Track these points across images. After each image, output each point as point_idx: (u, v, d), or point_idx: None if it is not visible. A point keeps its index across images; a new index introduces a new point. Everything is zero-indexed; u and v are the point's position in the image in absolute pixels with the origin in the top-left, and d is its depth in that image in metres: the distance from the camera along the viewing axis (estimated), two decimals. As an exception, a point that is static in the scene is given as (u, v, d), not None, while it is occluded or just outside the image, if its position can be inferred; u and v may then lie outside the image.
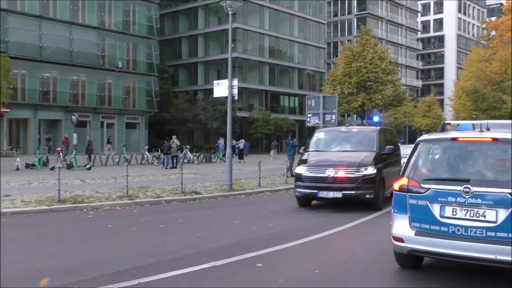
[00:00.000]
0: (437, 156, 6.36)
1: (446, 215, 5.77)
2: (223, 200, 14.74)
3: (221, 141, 40.92)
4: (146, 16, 52.33)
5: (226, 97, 21.31)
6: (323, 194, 11.95)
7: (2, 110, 27.66)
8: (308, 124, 23.12)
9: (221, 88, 21.88)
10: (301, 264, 7.06)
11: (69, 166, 26.16)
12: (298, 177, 12.55)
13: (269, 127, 56.52)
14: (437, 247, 5.79)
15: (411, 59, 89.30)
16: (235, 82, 20.06)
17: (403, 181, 6.19)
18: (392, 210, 6.35)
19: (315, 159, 12.71)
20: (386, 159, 13.09)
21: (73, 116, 34.22)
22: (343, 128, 14.33)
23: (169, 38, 64.10)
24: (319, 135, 13.98)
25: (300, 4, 66.99)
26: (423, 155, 6.38)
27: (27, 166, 26.73)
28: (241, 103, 58.27)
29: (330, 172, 11.89)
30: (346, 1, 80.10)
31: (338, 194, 11.78)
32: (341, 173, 11.84)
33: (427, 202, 5.90)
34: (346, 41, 60.36)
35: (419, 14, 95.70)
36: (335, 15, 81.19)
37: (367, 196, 11.80)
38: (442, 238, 5.76)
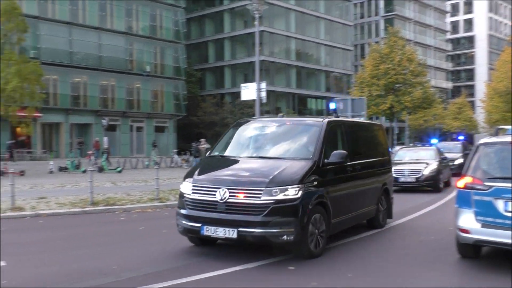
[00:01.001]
0: (497, 157, 7.03)
1: (509, 209, 6.40)
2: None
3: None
4: (172, 20, 52.90)
5: (254, 100, 21.44)
6: (210, 230, 7.24)
7: (35, 114, 28.29)
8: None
9: (249, 91, 22.01)
10: (333, 267, 7.03)
11: (100, 169, 26.60)
12: (180, 200, 7.94)
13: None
14: (502, 238, 6.44)
15: (440, 60, 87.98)
16: (263, 85, 20.16)
17: (468, 179, 6.87)
18: (457, 205, 7.00)
19: (207, 170, 8.15)
20: (336, 173, 8.22)
21: (103, 120, 34.78)
22: (273, 121, 9.16)
23: (195, 42, 64.61)
24: (234, 130, 9.22)
25: (326, 6, 66.73)
26: (484, 157, 7.06)
27: (61, 169, 27.31)
28: (268, 106, 58.31)
29: (222, 194, 7.21)
30: (373, 3, 79.45)
31: (232, 233, 7.04)
32: (239, 197, 7.16)
33: (492, 198, 6.53)
34: (373, 42, 59.87)
35: (448, 15, 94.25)
36: (362, 16, 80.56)
37: (285, 237, 6.97)
38: (506, 230, 6.38)
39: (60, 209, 12.21)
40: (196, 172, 7.96)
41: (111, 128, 43.52)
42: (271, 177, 7.23)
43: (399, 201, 14.13)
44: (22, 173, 23.58)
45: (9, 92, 23.14)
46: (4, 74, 23.14)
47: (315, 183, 7.52)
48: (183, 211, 7.67)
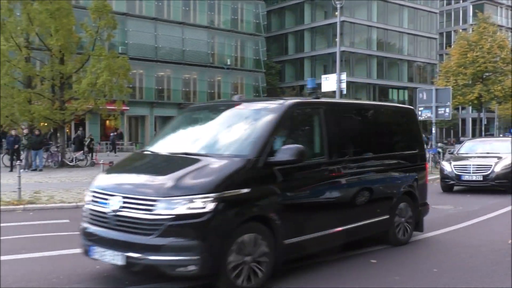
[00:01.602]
0: None
1: None
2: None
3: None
4: (253, 13, 53.44)
5: (334, 91, 21.22)
6: (97, 253, 5.49)
7: (123, 107, 29.68)
8: (419, 118, 22.35)
9: (329, 83, 21.82)
10: (417, 262, 6.84)
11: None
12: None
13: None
14: None
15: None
16: (344, 76, 19.91)
17: None
18: None
19: (117, 170, 6.65)
20: (295, 175, 5.98)
21: (186, 113, 35.62)
22: (223, 106, 7.34)
23: (275, 34, 64.81)
24: (180, 118, 7.72)
25: (410, -6, 64.65)
26: None
27: (146, 160, 28.46)
28: (348, 97, 57.48)
29: (114, 204, 5.41)
30: (461, -12, 75.81)
31: (119, 258, 5.23)
32: (132, 208, 5.29)
33: None
34: (461, 30, 57.17)
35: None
36: (449, 3, 77.10)
37: (190, 267, 5.02)
38: None
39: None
40: (102, 173, 6.40)
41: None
42: (174, 182, 5.29)
43: (462, 203, 12.92)
44: (111, 164, 24.82)
45: (99, 86, 24.41)
46: (95, 69, 24.42)
47: (247, 190, 5.39)
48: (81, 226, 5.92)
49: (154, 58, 45.95)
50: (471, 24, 60.53)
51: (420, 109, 21.94)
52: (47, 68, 24.69)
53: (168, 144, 6.72)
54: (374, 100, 59.74)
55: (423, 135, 22.97)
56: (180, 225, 5.04)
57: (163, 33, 46.61)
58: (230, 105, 7.05)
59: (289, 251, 5.84)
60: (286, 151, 5.67)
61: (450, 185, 14.94)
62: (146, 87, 46.40)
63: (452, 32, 71.57)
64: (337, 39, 19.21)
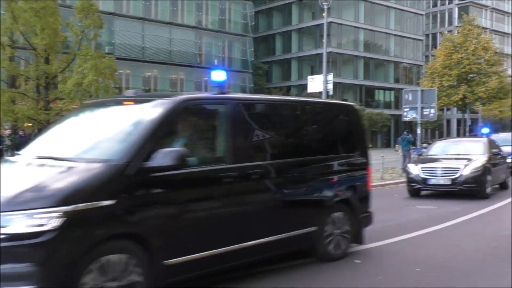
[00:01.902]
0: None
1: None
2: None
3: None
4: (241, 14, 53.49)
5: (320, 92, 21.33)
6: None
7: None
8: (404, 118, 22.51)
9: (315, 84, 21.94)
10: (401, 262, 6.90)
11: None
12: None
13: (364, 122, 55.53)
14: None
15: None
16: (330, 77, 20.02)
17: None
18: None
19: None
20: (178, 183, 5.03)
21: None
22: (111, 103, 6.56)
23: (263, 35, 64.92)
24: (65, 116, 7.12)
25: (397, -5, 65.21)
26: None
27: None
28: (335, 98, 57.64)
29: None
30: (447, -10, 76.57)
31: None
32: None
33: None
34: (446, 32, 57.76)
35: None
36: (434, 5, 77.80)
37: None
38: None
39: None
40: None
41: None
42: (15, 193, 4.27)
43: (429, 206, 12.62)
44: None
45: (85, 86, 24.21)
46: (81, 69, 24.22)
47: (110, 202, 4.40)
48: None
49: (141, 58, 45.78)
50: (457, 26, 61.21)
51: (405, 109, 22.09)
52: (32, 68, 24.41)
53: (41, 146, 5.72)
54: (360, 101, 60.13)
55: (410, 136, 23.40)
56: (14, 247, 3.99)
57: (150, 33, 46.46)
58: (119, 101, 6.22)
59: (171, 273, 4.87)
60: (165, 155, 4.70)
61: (417, 189, 13.74)
62: (133, 87, 46.14)
63: (438, 33, 72.23)
64: (324, 40, 19.31)
